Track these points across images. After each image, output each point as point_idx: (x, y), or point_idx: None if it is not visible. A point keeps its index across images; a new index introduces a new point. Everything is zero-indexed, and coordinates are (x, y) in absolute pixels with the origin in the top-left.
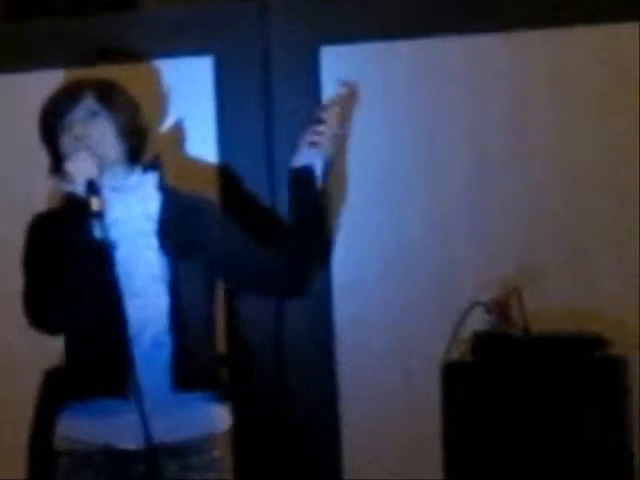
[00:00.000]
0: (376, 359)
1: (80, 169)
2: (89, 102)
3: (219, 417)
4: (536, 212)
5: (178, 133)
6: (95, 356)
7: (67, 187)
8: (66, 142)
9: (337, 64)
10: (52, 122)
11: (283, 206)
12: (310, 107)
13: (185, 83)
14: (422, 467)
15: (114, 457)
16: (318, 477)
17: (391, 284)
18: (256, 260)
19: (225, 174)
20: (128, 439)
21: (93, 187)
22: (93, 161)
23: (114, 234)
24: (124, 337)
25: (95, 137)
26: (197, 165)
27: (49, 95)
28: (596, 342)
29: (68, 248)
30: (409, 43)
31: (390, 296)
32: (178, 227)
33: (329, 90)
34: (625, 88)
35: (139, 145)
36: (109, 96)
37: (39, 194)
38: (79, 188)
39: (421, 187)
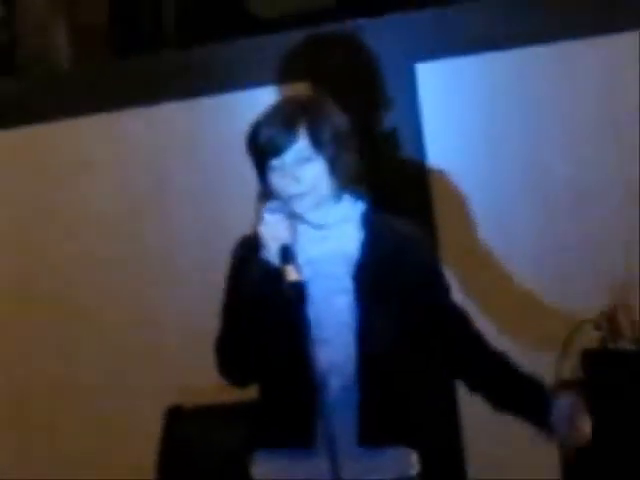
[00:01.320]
0: None
1: (274, 234)
2: (302, 145)
3: (408, 463)
4: None
5: None
6: (283, 405)
7: (261, 252)
8: (276, 183)
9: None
10: (265, 157)
11: None
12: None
13: None
14: None
15: None
16: None
17: None
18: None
19: None
20: None
21: (287, 255)
22: (288, 224)
23: (306, 274)
24: (312, 385)
25: (305, 184)
26: None
27: (261, 119)
28: None
29: (260, 292)
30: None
31: None
32: (377, 266)
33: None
34: None
35: (350, 177)
36: (321, 134)
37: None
38: (272, 255)
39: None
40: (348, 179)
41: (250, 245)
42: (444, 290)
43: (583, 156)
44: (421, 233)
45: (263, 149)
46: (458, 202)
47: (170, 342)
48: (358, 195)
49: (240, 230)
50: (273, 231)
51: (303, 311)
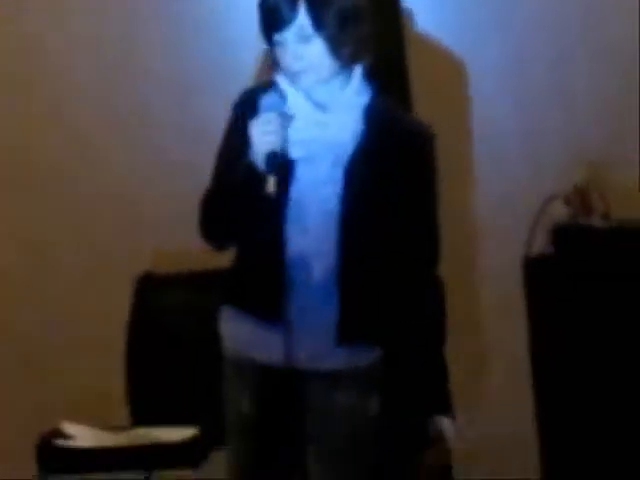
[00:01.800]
0: None
1: (264, 136)
2: (302, 22)
3: (369, 351)
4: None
5: None
6: (255, 275)
7: (249, 155)
8: (280, 54)
9: None
10: (267, 27)
11: None
12: None
13: None
14: None
15: (261, 372)
16: None
17: None
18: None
19: None
20: (274, 358)
21: (273, 163)
22: (280, 124)
23: (297, 155)
24: (284, 265)
25: (306, 62)
26: None
27: None
28: None
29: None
30: None
31: None
32: (371, 161)
33: None
34: None
35: (357, 54)
36: (322, 15)
37: None
38: (258, 159)
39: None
40: (351, 59)
41: (251, 101)
42: (425, 207)
43: None
44: (426, 134)
45: (267, 20)
46: None
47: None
48: (366, 84)
49: None
50: (264, 133)
51: (286, 192)
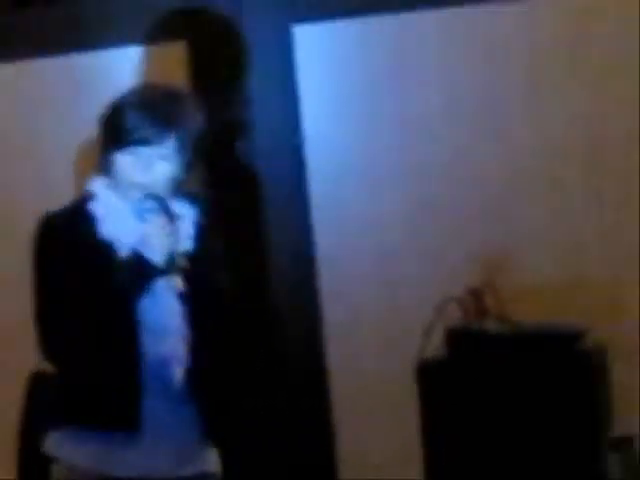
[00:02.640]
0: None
1: (159, 238)
2: (169, 144)
3: (215, 460)
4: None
5: None
6: (108, 386)
7: (144, 251)
8: (126, 164)
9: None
10: (122, 140)
11: None
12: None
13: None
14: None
15: None
16: None
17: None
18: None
19: None
20: (133, 470)
21: (175, 263)
22: (171, 229)
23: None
24: (139, 372)
25: (157, 175)
26: None
27: (129, 101)
28: (569, 336)
29: (92, 266)
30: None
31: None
32: (197, 267)
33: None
34: None
35: (187, 177)
36: (187, 141)
37: None
38: (157, 258)
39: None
40: (188, 180)
41: (65, 223)
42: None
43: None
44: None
45: (127, 134)
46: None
47: None
48: (195, 197)
49: None
50: (164, 235)
51: (138, 300)
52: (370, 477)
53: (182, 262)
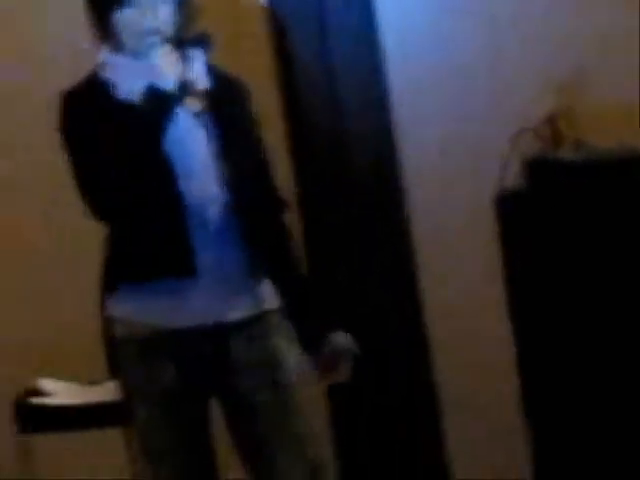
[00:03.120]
0: None
1: (168, 65)
2: None
3: (273, 297)
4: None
5: None
6: (156, 238)
7: (154, 80)
8: (132, 15)
9: None
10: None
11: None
12: None
13: None
14: None
15: (181, 339)
16: None
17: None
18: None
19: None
20: (195, 319)
21: (188, 86)
22: (176, 54)
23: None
24: (184, 217)
25: (163, 17)
26: None
27: None
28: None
29: (117, 126)
30: None
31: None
32: (224, 104)
33: None
34: None
35: (191, 17)
36: None
37: None
38: (167, 84)
39: None
40: (191, 23)
41: (84, 94)
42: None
43: None
44: (248, 88)
45: None
46: None
47: None
48: (201, 39)
49: None
50: (168, 63)
51: (166, 147)
52: None
53: (196, 86)
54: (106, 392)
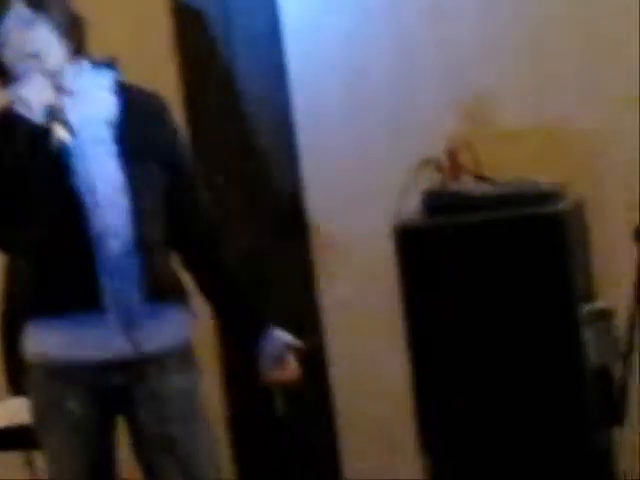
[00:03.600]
0: None
1: (36, 94)
2: (18, 11)
3: (187, 327)
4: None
5: None
6: (62, 270)
7: (23, 112)
8: (9, 53)
9: None
10: None
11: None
12: None
13: None
14: None
15: (91, 369)
16: None
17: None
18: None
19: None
20: (104, 351)
21: (54, 114)
22: (49, 82)
23: (73, 141)
24: (89, 249)
25: (37, 46)
26: None
27: None
28: (544, 194)
29: (23, 162)
30: None
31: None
32: (134, 129)
33: None
34: None
35: (81, 38)
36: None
37: None
38: (37, 114)
39: None
40: (81, 43)
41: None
42: (188, 170)
43: None
44: (165, 103)
45: None
46: None
47: None
48: (106, 62)
49: None
50: (36, 91)
51: (72, 178)
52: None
53: (61, 113)
54: (6, 412)
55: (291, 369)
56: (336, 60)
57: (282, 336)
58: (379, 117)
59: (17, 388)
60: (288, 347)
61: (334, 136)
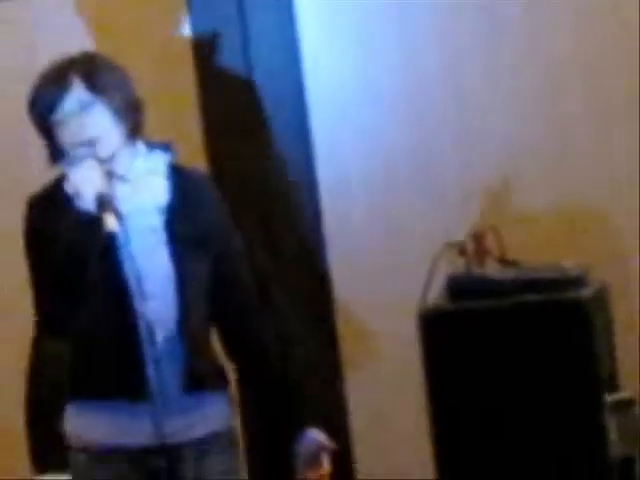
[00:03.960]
0: None
1: (87, 181)
2: (78, 92)
3: (228, 414)
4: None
5: None
6: (106, 358)
7: (74, 198)
8: (65, 136)
9: None
10: (43, 116)
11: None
12: None
13: None
14: None
15: (130, 455)
16: None
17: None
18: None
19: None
20: (143, 438)
21: (105, 203)
22: (101, 169)
23: (123, 229)
24: (135, 338)
25: (94, 133)
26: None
27: (35, 83)
28: (569, 280)
29: (73, 248)
30: None
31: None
32: (185, 215)
33: None
34: None
35: (138, 121)
36: (98, 80)
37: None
38: (89, 203)
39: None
40: (137, 126)
41: (46, 201)
42: (236, 253)
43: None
44: (212, 184)
45: (39, 107)
46: None
47: None
48: (162, 146)
49: None
50: (88, 178)
51: (120, 266)
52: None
53: (112, 202)
54: None
55: (324, 469)
56: (360, 137)
57: (317, 436)
58: (402, 208)
59: (42, 467)
60: (322, 448)
61: (359, 220)
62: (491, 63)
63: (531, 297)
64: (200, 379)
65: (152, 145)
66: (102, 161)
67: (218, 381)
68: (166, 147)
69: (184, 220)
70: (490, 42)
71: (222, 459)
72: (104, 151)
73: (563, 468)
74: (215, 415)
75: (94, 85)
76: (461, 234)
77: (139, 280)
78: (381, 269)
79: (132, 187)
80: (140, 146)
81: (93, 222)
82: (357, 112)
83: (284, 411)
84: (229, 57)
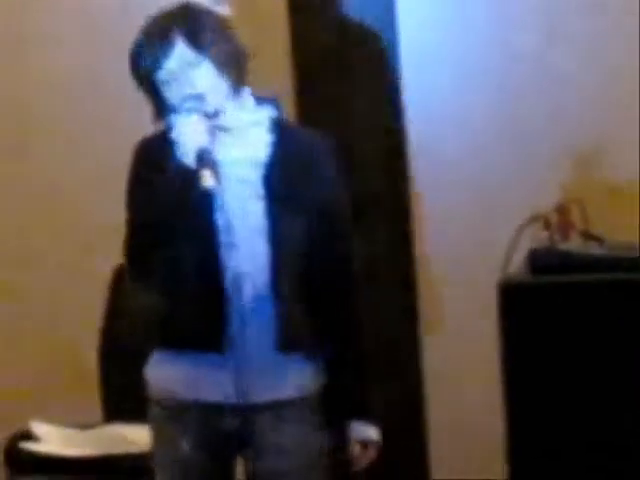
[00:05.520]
0: None
1: (191, 136)
2: (182, 51)
3: (314, 379)
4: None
5: None
6: (191, 308)
7: (177, 152)
8: (170, 92)
9: None
10: (147, 74)
11: None
12: None
13: None
14: None
15: (206, 411)
16: None
17: None
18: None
19: None
20: (221, 395)
21: (205, 159)
22: (205, 124)
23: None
24: (222, 290)
25: (200, 88)
26: None
27: (135, 41)
28: None
29: (168, 199)
30: None
31: None
32: (287, 172)
33: None
34: None
35: (242, 71)
36: (201, 38)
37: None
38: (189, 158)
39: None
40: (242, 76)
41: (153, 148)
42: (339, 217)
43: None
44: (329, 145)
45: (142, 66)
46: None
47: None
48: (268, 100)
49: None
50: (191, 133)
51: (212, 216)
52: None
53: (212, 158)
54: (99, 440)
55: (365, 462)
56: (449, 103)
57: (368, 430)
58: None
59: (112, 415)
60: (370, 442)
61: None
62: (584, 40)
63: (614, 275)
64: (290, 340)
65: (259, 99)
66: (208, 115)
67: (309, 345)
68: (273, 102)
69: (284, 176)
70: (583, 22)
71: (301, 427)
72: (210, 105)
73: None
74: (300, 380)
75: (198, 43)
76: (547, 207)
77: (228, 230)
78: (467, 239)
79: (233, 138)
80: (247, 97)
81: (191, 176)
82: (450, 84)
83: (346, 393)
84: None
